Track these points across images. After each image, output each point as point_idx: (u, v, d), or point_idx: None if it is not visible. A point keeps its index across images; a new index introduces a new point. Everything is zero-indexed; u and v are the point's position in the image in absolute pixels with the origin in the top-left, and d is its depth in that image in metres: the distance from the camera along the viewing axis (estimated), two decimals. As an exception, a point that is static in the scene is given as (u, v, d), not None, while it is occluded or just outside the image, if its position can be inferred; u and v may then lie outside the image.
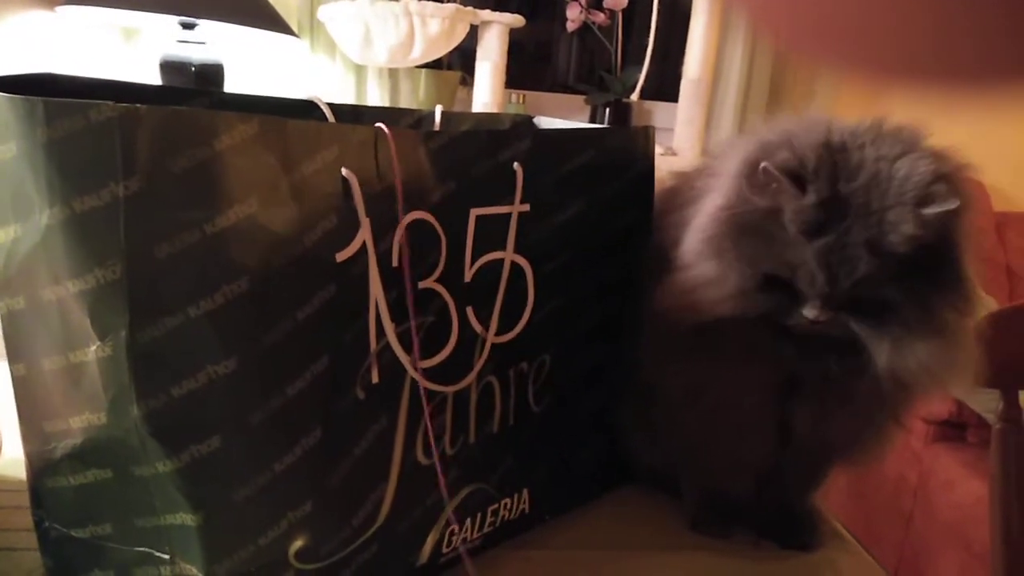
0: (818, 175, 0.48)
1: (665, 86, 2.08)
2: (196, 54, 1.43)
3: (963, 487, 1.49)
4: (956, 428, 1.62)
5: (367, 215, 0.42)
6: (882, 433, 0.57)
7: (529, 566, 0.55)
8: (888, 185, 0.47)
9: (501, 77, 1.55)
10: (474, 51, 1.56)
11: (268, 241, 0.37)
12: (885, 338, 0.49)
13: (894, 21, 0.14)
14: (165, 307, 0.34)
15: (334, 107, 0.56)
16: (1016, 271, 2.18)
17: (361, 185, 0.42)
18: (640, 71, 1.77)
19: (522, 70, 2.10)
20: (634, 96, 1.79)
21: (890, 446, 0.60)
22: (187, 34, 1.43)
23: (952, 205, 0.46)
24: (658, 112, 2.13)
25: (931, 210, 0.46)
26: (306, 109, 0.56)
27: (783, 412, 0.54)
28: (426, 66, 1.77)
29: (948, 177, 0.48)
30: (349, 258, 0.42)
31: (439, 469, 0.49)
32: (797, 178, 0.48)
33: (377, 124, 0.44)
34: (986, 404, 1.51)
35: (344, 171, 0.41)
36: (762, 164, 0.48)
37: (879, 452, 0.59)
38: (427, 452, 0.48)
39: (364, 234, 0.42)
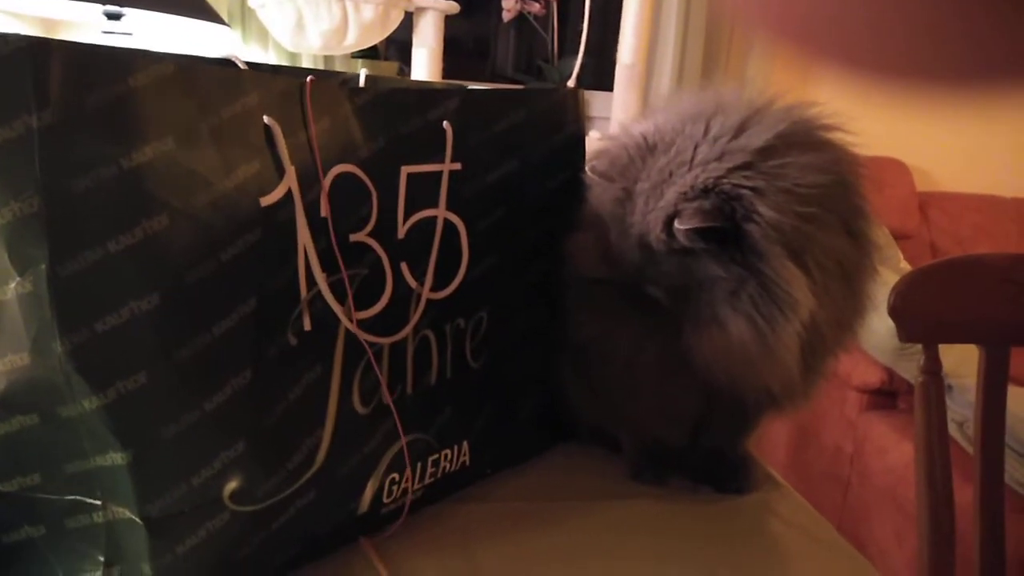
0: (623, 175, 0.53)
1: (603, 77, 2.11)
2: (123, 46, 1.40)
3: (895, 452, 1.55)
4: (887, 396, 1.69)
5: (292, 163, 0.43)
6: (797, 383, 0.56)
7: (472, 519, 0.56)
8: (664, 190, 0.51)
9: (438, 63, 1.55)
10: (411, 44, 1.56)
11: (187, 180, 0.37)
12: (690, 319, 0.52)
13: (870, 15, 0.14)
14: (85, 241, 0.34)
15: (252, 65, 0.56)
16: (939, 247, 2.28)
17: (285, 134, 0.43)
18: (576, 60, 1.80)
19: (461, 65, 2.10)
20: (571, 84, 1.81)
21: (814, 395, 0.62)
22: (112, 25, 1.40)
23: (690, 225, 0.48)
24: (595, 101, 2.16)
25: (677, 224, 0.49)
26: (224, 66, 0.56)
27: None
28: (363, 56, 1.76)
29: (721, 192, 0.48)
30: (274, 204, 0.42)
31: (395, 413, 0.50)
32: (607, 176, 0.54)
33: (309, 77, 0.44)
34: (914, 372, 1.57)
35: (267, 119, 0.42)
36: (588, 165, 0.57)
37: (802, 402, 0.61)
38: (364, 401, 0.49)
39: (289, 181, 0.43)
